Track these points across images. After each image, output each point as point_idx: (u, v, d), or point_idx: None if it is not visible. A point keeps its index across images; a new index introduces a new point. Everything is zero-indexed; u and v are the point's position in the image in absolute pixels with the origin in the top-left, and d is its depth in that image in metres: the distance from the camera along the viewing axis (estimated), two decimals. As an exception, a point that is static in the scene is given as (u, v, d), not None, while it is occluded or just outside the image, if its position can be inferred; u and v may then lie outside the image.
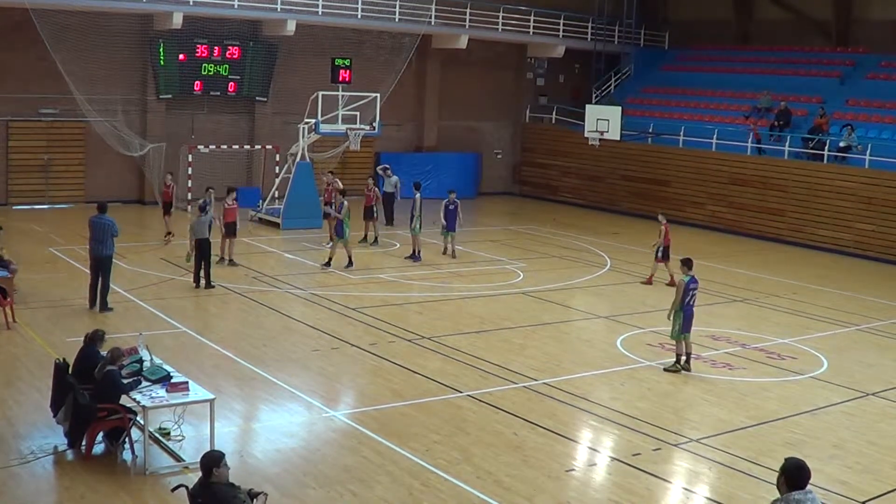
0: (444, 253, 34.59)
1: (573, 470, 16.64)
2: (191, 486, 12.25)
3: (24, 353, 21.39)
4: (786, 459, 10.38)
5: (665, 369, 22.45)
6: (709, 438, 18.06)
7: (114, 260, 25.92)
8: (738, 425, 18.93)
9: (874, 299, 31.47)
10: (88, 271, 26.08)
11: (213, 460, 11.96)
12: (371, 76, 44.22)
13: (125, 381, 15.86)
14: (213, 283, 28.31)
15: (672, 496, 15.81)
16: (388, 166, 40.51)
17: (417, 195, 33.91)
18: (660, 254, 32.00)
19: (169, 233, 35.08)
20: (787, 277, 34.14)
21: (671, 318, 22.40)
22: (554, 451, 17.20)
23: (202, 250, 28.09)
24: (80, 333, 17.99)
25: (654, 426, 18.56)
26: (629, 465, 16.62)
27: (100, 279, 25.32)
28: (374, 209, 36.49)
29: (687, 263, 22.83)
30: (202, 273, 28.24)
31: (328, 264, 31.54)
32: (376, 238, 36.43)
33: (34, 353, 21.34)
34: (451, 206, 34.00)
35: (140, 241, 35.08)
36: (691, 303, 22.48)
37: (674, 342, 22.66)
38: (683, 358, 22.50)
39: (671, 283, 31.63)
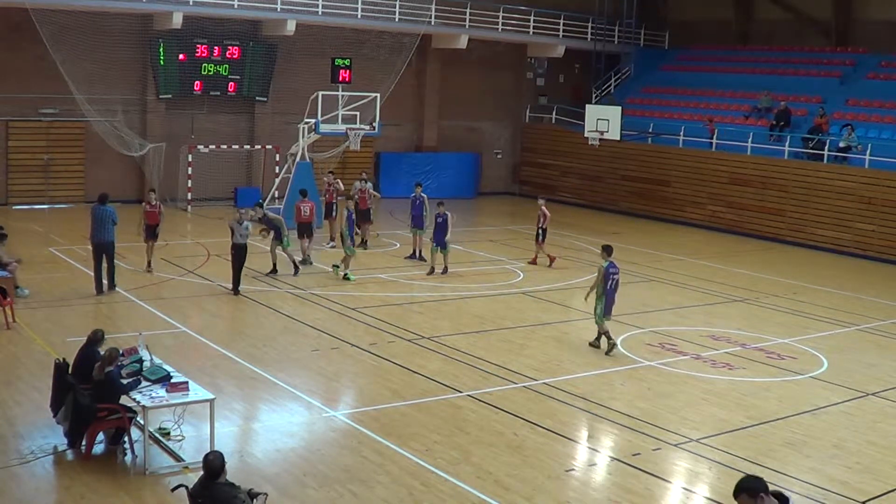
0: (430, 273, 31.53)
1: (573, 470, 16.64)
2: (191, 486, 12.26)
3: (23, 353, 21.38)
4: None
5: (590, 343, 24.05)
6: (709, 438, 18.05)
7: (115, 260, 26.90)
8: (738, 425, 18.93)
9: (874, 299, 31.48)
10: (92, 261, 27.27)
11: (220, 463, 11.99)
12: (371, 76, 44.22)
13: (125, 382, 15.87)
14: (238, 290, 27.93)
15: (672, 496, 15.80)
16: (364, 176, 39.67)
17: (422, 195, 33.72)
18: (539, 234, 33.87)
19: (149, 262, 30.41)
20: (787, 277, 34.15)
21: (587, 299, 24.18)
22: (554, 450, 17.20)
23: (239, 257, 27.78)
24: (79, 333, 18.02)
25: (653, 426, 18.56)
26: (629, 464, 16.62)
27: (104, 264, 26.88)
28: (371, 211, 36.17)
29: (606, 250, 23.99)
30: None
31: (274, 271, 30.57)
32: (364, 241, 35.62)
33: (34, 353, 21.34)
34: (440, 220, 31.45)
35: (140, 241, 35.01)
36: (612, 287, 23.57)
37: (600, 325, 23.76)
38: (605, 337, 23.69)
39: (532, 262, 33.71)
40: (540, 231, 33.82)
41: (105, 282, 27.24)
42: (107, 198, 27.31)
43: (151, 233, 30.12)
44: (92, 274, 27.39)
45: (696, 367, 22.70)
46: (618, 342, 23.87)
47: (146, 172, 42.62)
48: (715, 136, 45.19)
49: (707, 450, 17.47)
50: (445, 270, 31.62)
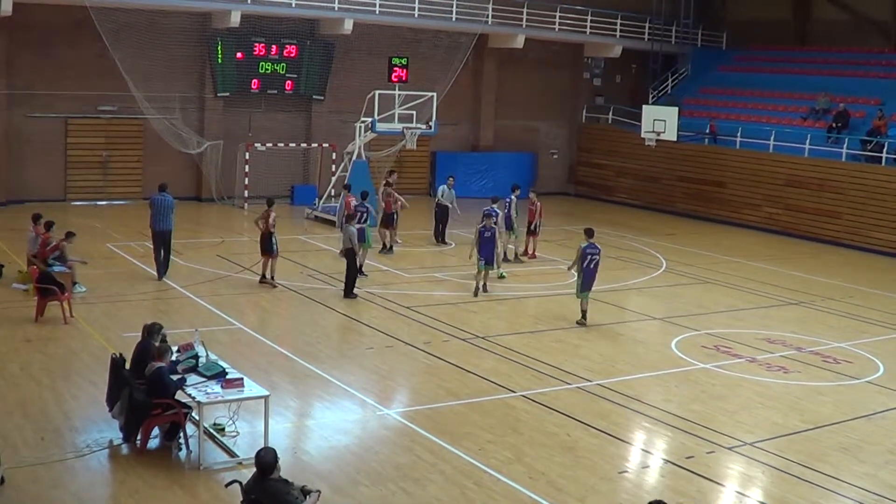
0: (476, 293, 28.78)
1: (626, 472, 16.63)
2: (244, 482, 12.35)
3: (81, 348, 21.61)
4: None
5: (577, 322, 25.93)
6: (763, 442, 17.97)
7: (169, 256, 28.78)
8: (793, 429, 18.82)
9: (932, 303, 31.18)
10: (152, 248, 28.75)
11: (272, 458, 12.07)
12: (428, 75, 44.26)
13: (174, 378, 15.99)
14: (354, 294, 27.69)
15: (725, 499, 15.75)
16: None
17: (513, 197, 33.89)
18: (533, 227, 34.66)
19: (271, 277, 28.69)
20: (844, 280, 33.87)
21: (572, 271, 26.66)
22: (607, 452, 17.19)
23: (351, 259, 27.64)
24: (136, 328, 18.18)
25: (707, 429, 18.49)
26: (682, 467, 16.57)
27: (162, 251, 28.33)
28: (395, 216, 34.91)
29: (587, 232, 26.32)
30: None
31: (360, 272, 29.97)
32: (391, 247, 34.60)
33: (91, 348, 21.56)
34: (487, 234, 28.68)
35: (196, 237, 35.31)
36: (590, 266, 25.70)
37: (579, 301, 26.11)
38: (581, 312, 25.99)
39: (527, 254, 34.60)
40: (535, 224, 34.49)
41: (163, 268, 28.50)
42: (166, 187, 28.96)
43: (269, 247, 28.51)
44: (153, 261, 28.81)
45: (751, 370, 22.59)
46: (586, 322, 25.93)
47: (204, 170, 42.95)
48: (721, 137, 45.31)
49: (761, 453, 17.39)
50: (485, 288, 29.12)
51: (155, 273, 28.46)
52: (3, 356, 20.77)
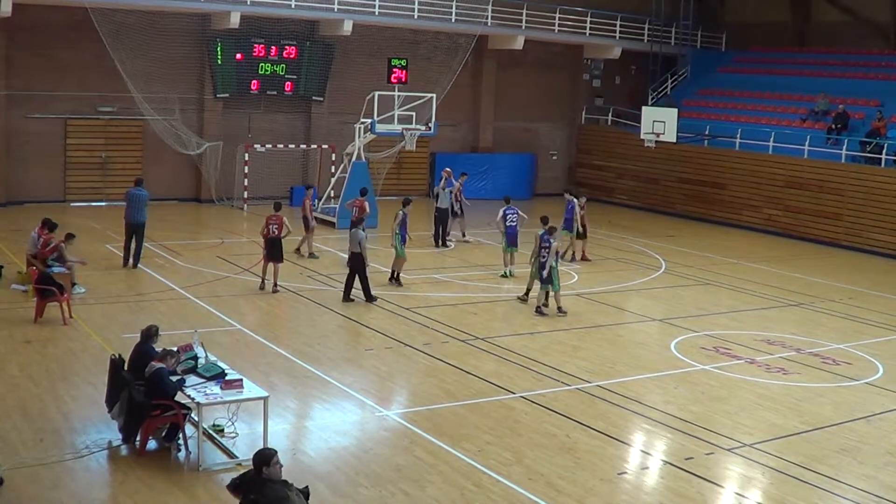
0: (540, 311, 27.02)
1: (625, 473, 16.62)
2: (244, 483, 12.30)
3: (80, 349, 21.59)
4: None
5: (536, 307, 27.01)
6: (762, 443, 17.94)
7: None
8: (792, 430, 18.80)
9: (932, 305, 31.15)
10: (124, 235, 30.34)
11: (263, 459, 12.03)
12: (427, 76, 44.30)
13: (173, 379, 15.98)
14: (374, 297, 27.37)
15: (724, 501, 15.73)
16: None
17: (576, 202, 34.36)
18: (579, 230, 34.89)
19: (272, 285, 28.04)
20: (843, 282, 33.84)
21: (531, 263, 27.42)
22: (606, 453, 17.17)
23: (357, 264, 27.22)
24: (135, 330, 18.16)
25: (707, 430, 18.47)
26: (682, 468, 16.55)
27: (134, 242, 30.04)
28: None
29: (543, 220, 27.79)
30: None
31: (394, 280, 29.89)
32: (310, 252, 33.37)
33: (90, 349, 21.55)
34: (546, 245, 26.93)
35: (196, 238, 35.29)
36: (549, 252, 26.72)
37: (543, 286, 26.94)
38: (533, 293, 27.43)
39: (585, 259, 34.84)
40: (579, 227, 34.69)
41: (131, 260, 30.05)
42: (141, 181, 31.21)
43: (275, 253, 28.04)
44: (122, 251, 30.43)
45: (750, 371, 22.58)
46: (527, 300, 27.73)
47: (203, 171, 42.93)
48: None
49: (760, 455, 17.37)
50: (561, 311, 27.10)
51: (122, 260, 30.17)
52: (3, 357, 20.77)
